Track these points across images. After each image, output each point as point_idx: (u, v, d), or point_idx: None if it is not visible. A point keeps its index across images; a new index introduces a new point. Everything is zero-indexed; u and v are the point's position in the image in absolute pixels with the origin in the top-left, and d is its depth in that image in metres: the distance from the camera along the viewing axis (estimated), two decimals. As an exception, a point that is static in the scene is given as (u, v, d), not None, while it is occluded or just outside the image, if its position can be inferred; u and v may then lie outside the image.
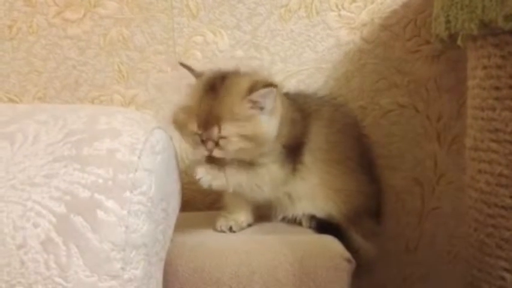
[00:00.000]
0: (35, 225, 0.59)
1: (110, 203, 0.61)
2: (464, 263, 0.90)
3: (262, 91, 0.80)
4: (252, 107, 0.81)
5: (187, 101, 0.85)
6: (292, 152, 0.88)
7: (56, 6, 1.12)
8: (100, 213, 0.60)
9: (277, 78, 0.98)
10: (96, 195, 0.61)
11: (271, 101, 0.82)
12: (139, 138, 0.67)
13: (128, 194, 0.62)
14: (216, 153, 0.82)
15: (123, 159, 0.64)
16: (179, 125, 0.85)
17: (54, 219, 0.59)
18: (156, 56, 1.12)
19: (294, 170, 0.89)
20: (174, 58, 1.11)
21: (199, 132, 0.82)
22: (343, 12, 1.10)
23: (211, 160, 0.84)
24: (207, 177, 0.83)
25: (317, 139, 0.90)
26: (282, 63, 1.11)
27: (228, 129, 0.80)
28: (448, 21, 0.83)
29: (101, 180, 0.62)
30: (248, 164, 0.85)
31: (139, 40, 1.12)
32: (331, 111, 0.96)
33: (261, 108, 0.82)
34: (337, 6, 1.09)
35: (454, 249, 1.12)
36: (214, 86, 0.83)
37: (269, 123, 0.83)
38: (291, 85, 1.08)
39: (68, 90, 1.14)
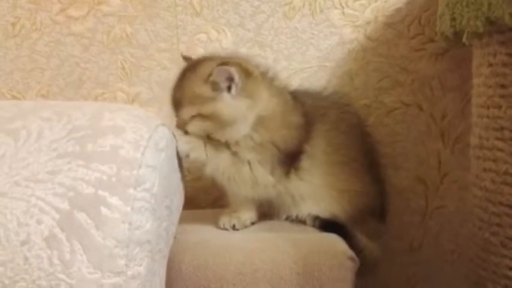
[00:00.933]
0: (39, 222, 0.59)
1: (113, 200, 0.60)
2: (468, 262, 0.90)
3: (216, 69, 0.81)
4: (214, 89, 0.83)
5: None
6: (288, 157, 0.87)
7: (59, 3, 1.12)
8: (104, 210, 0.60)
9: (281, 76, 0.98)
10: (100, 192, 0.60)
11: (231, 80, 0.82)
12: (143, 135, 0.66)
13: (131, 190, 0.62)
14: (189, 130, 0.85)
15: (127, 156, 0.63)
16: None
17: (57, 216, 0.59)
18: (160, 53, 1.12)
19: (288, 173, 0.88)
20: (177, 56, 1.11)
21: (173, 111, 0.87)
22: (347, 10, 1.09)
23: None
24: (185, 146, 0.82)
25: (319, 144, 0.89)
26: (285, 61, 1.11)
27: (187, 111, 0.84)
28: (453, 19, 0.83)
29: (104, 177, 0.61)
30: (231, 154, 0.86)
31: (142, 37, 1.12)
32: (338, 113, 0.95)
33: (227, 89, 0.83)
34: (341, 4, 1.09)
35: (458, 248, 1.12)
36: (186, 71, 0.87)
37: (233, 104, 0.83)
38: (295, 83, 1.08)
39: (72, 88, 1.14)
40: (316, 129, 0.89)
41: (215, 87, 0.83)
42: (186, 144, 0.82)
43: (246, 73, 0.84)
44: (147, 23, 1.12)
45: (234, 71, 0.82)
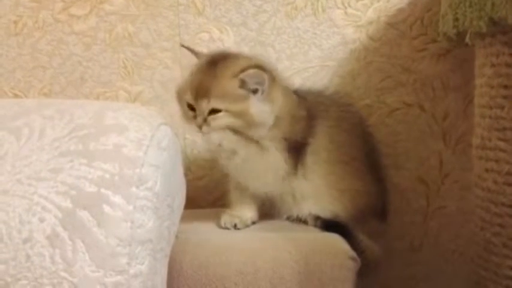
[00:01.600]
0: (41, 220, 0.59)
1: (116, 198, 0.60)
2: (469, 263, 0.90)
3: (252, 71, 0.83)
4: (242, 87, 0.84)
5: (190, 75, 0.89)
6: (294, 148, 0.88)
7: (61, 2, 1.12)
8: (106, 208, 0.60)
9: (283, 76, 0.98)
10: (103, 190, 0.60)
11: (261, 84, 0.84)
12: (146, 133, 0.66)
13: (134, 189, 0.62)
14: (205, 129, 0.84)
15: (130, 155, 0.63)
16: (178, 95, 0.89)
17: (60, 214, 0.59)
18: (162, 52, 1.12)
19: (296, 168, 0.89)
20: (179, 55, 1.11)
21: (192, 102, 0.85)
22: (349, 10, 1.09)
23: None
24: (216, 135, 0.85)
25: (322, 140, 0.90)
26: (287, 61, 1.11)
27: (217, 103, 0.83)
28: (456, 19, 0.83)
29: (107, 175, 0.61)
30: (251, 142, 0.86)
31: (145, 36, 1.12)
32: (339, 111, 0.96)
33: (253, 91, 0.84)
34: (343, 4, 1.09)
35: (459, 248, 1.12)
36: (213, 63, 0.87)
37: (260, 108, 0.84)
38: (297, 83, 1.08)
39: (73, 86, 1.14)
40: (319, 123, 0.90)
41: (245, 87, 0.84)
42: (216, 133, 0.84)
43: (272, 79, 0.86)
44: (149, 22, 1.12)
45: (266, 77, 0.83)
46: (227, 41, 1.11)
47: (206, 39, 1.11)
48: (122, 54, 1.12)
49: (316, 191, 0.90)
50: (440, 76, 1.09)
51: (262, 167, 0.88)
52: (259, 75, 0.83)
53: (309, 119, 0.90)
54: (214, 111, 0.84)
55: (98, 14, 1.12)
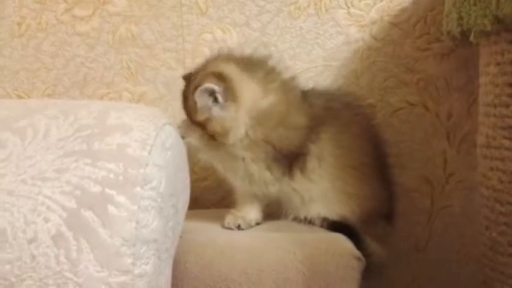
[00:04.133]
0: (46, 220, 0.59)
1: (121, 198, 0.60)
2: (474, 262, 0.90)
3: (196, 95, 0.83)
4: (200, 105, 0.84)
5: None
6: (286, 157, 0.86)
7: (65, 3, 1.12)
8: (111, 208, 0.60)
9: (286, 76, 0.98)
10: (107, 190, 0.60)
11: (215, 94, 0.83)
12: (150, 133, 0.66)
13: (138, 189, 0.62)
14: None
15: (134, 155, 0.63)
16: None
17: (64, 214, 0.59)
18: (165, 53, 1.12)
19: (292, 173, 0.87)
20: (183, 55, 1.11)
21: None
22: (352, 10, 1.09)
23: None
24: (182, 129, 0.87)
25: (328, 146, 0.88)
26: (290, 61, 1.10)
27: (187, 131, 0.87)
28: (460, 18, 0.83)
29: (112, 175, 0.61)
30: (226, 151, 0.87)
31: (148, 37, 1.12)
32: (350, 115, 0.93)
33: (214, 101, 0.84)
34: (346, 3, 1.09)
35: (464, 248, 1.11)
36: (184, 88, 0.90)
37: (222, 114, 0.84)
38: (300, 83, 1.07)
39: (77, 88, 1.14)
40: (325, 130, 0.88)
41: (202, 105, 0.84)
42: (183, 128, 0.87)
43: (220, 78, 0.83)
44: (153, 22, 1.12)
45: (208, 86, 0.82)
46: (230, 42, 1.11)
47: (209, 39, 1.11)
48: (125, 55, 1.13)
49: (324, 193, 0.89)
50: (444, 75, 1.09)
51: (238, 175, 0.88)
52: (202, 92, 0.83)
53: (312, 126, 0.87)
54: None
55: (101, 15, 1.12)
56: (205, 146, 0.88)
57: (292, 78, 0.92)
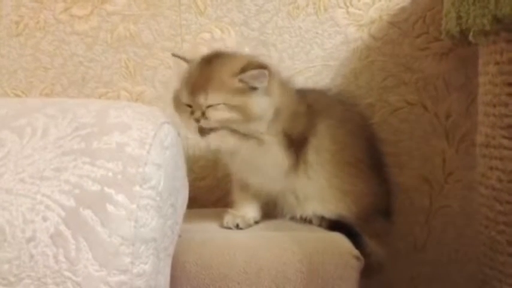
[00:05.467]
0: (44, 219, 0.59)
1: (119, 197, 0.60)
2: (472, 262, 0.90)
3: (254, 72, 0.83)
4: (242, 86, 0.83)
5: (183, 77, 0.88)
6: (294, 144, 0.88)
7: (63, 2, 1.12)
8: (109, 207, 0.60)
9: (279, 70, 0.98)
10: (106, 189, 0.60)
11: (262, 83, 0.84)
12: (149, 132, 0.66)
13: (137, 188, 0.62)
14: (203, 123, 0.84)
15: (133, 153, 0.63)
16: (175, 100, 0.88)
17: (63, 213, 0.59)
18: (164, 52, 1.12)
19: (297, 165, 0.88)
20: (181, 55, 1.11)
21: (188, 100, 0.85)
22: (351, 9, 1.09)
23: (203, 132, 0.85)
24: (215, 140, 0.85)
25: (324, 139, 0.90)
26: (289, 60, 1.10)
27: (215, 97, 0.83)
28: (459, 17, 0.83)
29: (110, 174, 0.61)
30: (250, 139, 0.86)
31: (146, 37, 1.12)
32: (343, 111, 0.95)
33: (253, 89, 0.84)
34: (345, 3, 1.09)
35: (463, 247, 1.11)
36: (209, 61, 0.87)
37: (259, 103, 0.84)
38: (299, 82, 1.07)
39: (75, 87, 1.14)
40: (321, 122, 0.90)
41: (244, 85, 0.83)
42: (214, 137, 0.84)
43: (271, 74, 0.85)
44: (151, 22, 1.11)
45: (267, 73, 0.83)
46: (229, 41, 1.10)
47: (208, 39, 1.11)
48: (123, 54, 1.12)
49: (320, 191, 0.90)
50: (442, 75, 1.09)
51: (264, 163, 0.88)
52: (260, 74, 0.83)
53: (309, 115, 0.89)
54: (212, 106, 0.83)
55: (99, 14, 1.12)
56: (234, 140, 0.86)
57: (288, 78, 0.95)
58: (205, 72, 0.85)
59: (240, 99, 0.83)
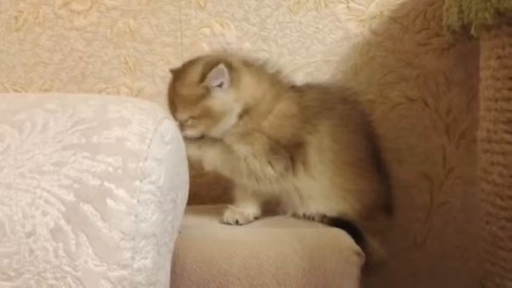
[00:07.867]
0: (44, 214, 0.58)
1: (120, 192, 0.60)
2: (473, 258, 0.89)
3: (212, 73, 0.86)
4: (206, 89, 0.86)
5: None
6: (285, 148, 0.87)
7: (62, -3, 1.12)
8: (110, 202, 0.59)
9: (285, 71, 0.97)
10: (106, 184, 0.60)
11: (223, 78, 0.86)
12: (149, 127, 0.66)
13: (137, 183, 0.61)
14: (186, 133, 0.87)
15: (133, 148, 0.63)
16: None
17: (63, 208, 0.58)
18: (164, 48, 1.11)
19: (295, 167, 0.88)
20: (181, 50, 1.11)
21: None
22: (351, 5, 1.09)
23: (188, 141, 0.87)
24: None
25: (325, 139, 0.89)
26: (290, 56, 1.10)
27: (182, 115, 0.88)
28: (460, 11, 0.82)
29: (110, 169, 0.61)
30: (227, 149, 0.89)
31: (146, 32, 1.11)
32: (346, 110, 0.94)
33: (218, 86, 0.86)
34: (346, -2, 1.09)
35: (463, 244, 1.11)
36: (176, 77, 0.91)
37: (222, 98, 0.86)
38: (299, 77, 1.07)
39: (75, 82, 1.13)
40: (322, 122, 0.89)
41: (208, 88, 0.86)
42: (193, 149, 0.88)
43: (230, 66, 0.87)
44: (151, 17, 1.11)
45: (223, 67, 0.85)
46: (229, 36, 1.10)
47: (208, 34, 1.10)
48: (123, 49, 1.12)
49: (323, 191, 0.89)
50: (443, 70, 1.09)
51: (242, 173, 0.89)
52: (218, 72, 0.85)
53: (304, 116, 0.89)
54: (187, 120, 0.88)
55: (99, 9, 1.11)
56: (203, 147, 0.89)
57: (279, 72, 0.95)
58: (172, 89, 0.90)
59: (203, 104, 0.86)
